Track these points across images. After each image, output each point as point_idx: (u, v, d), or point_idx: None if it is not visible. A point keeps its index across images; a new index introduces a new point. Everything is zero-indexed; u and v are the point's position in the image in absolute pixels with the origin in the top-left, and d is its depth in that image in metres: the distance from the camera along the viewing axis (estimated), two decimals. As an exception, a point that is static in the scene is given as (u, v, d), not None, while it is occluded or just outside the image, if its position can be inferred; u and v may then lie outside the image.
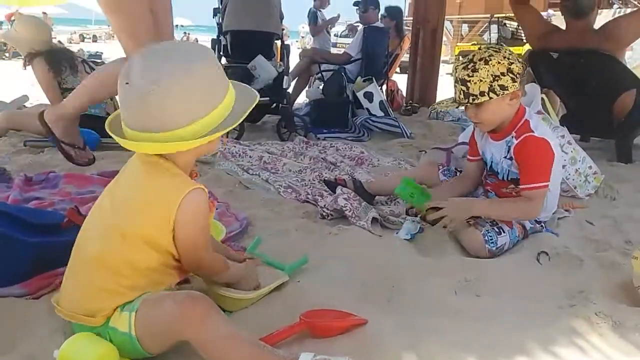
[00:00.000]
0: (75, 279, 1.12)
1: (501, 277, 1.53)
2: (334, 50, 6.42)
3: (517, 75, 1.66)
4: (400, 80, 5.93)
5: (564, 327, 1.26)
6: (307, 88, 5.19)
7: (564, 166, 2.33)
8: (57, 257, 1.30)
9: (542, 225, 1.86)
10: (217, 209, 1.96)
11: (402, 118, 4.63)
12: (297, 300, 1.33)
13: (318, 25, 6.16)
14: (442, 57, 6.13)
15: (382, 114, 4.37)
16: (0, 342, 1.17)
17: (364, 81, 4.54)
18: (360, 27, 5.25)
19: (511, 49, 1.80)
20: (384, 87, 5.27)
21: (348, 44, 5.68)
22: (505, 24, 13.12)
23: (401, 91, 5.69)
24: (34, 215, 1.56)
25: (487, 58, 1.64)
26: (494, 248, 1.71)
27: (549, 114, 2.41)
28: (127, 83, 1.03)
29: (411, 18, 7.72)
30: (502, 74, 1.64)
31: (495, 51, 1.67)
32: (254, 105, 1.14)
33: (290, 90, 4.30)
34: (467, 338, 1.19)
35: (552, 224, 1.95)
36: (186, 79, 1.03)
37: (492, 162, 1.85)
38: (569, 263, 1.63)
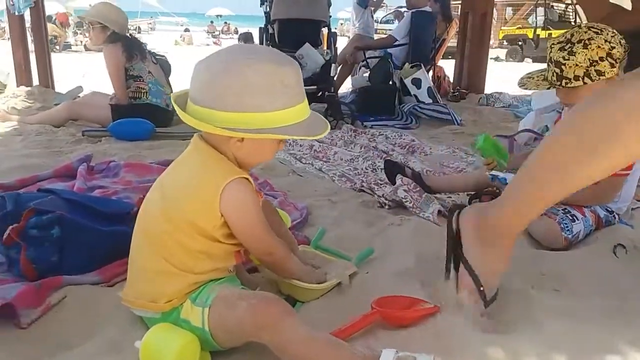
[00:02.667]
0: (134, 267, 1.14)
1: (577, 271, 1.46)
2: (375, 37, 6.27)
3: (617, 60, 1.58)
4: (446, 66, 5.79)
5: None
6: (351, 76, 5.12)
7: None
8: (129, 246, 1.31)
9: (614, 216, 1.76)
10: (276, 199, 1.96)
11: (450, 105, 4.52)
12: (367, 291, 1.30)
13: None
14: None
15: (431, 101, 4.28)
16: (80, 328, 1.19)
17: (411, 67, 4.44)
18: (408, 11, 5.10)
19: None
20: (431, 73, 5.15)
21: (390, 29, 5.51)
22: (552, 6, 12.60)
23: (448, 77, 5.56)
24: (104, 204, 1.60)
25: (586, 41, 1.56)
26: (570, 236, 1.63)
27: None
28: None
29: (457, 1, 7.53)
30: (601, 58, 1.56)
31: (596, 33, 1.57)
32: (312, 138, 1.11)
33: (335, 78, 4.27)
34: (553, 336, 1.13)
35: (626, 216, 1.85)
36: (264, 68, 1.03)
37: None
38: (649, 256, 1.54)
